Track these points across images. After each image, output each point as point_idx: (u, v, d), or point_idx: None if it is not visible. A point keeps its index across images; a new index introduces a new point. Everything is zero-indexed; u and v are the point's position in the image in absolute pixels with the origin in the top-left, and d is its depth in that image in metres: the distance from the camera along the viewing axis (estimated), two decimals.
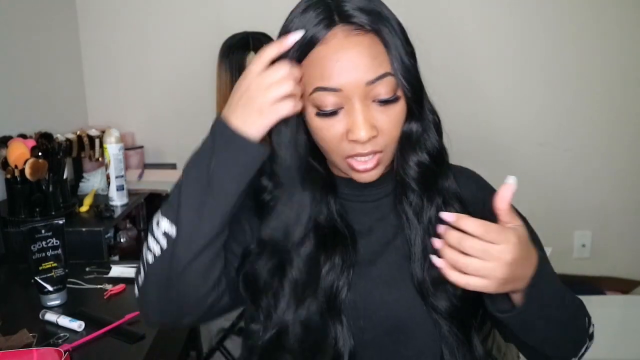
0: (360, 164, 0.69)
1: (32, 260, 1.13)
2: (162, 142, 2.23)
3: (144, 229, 2.03)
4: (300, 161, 0.72)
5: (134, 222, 1.98)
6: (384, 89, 0.66)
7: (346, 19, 0.67)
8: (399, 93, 0.68)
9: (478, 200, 0.80)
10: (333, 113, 0.67)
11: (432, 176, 0.75)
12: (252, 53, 1.95)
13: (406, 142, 0.72)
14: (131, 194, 1.74)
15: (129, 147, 2.07)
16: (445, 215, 0.62)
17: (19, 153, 1.42)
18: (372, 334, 0.72)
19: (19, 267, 1.34)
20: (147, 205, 2.04)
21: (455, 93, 2.18)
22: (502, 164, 2.27)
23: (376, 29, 0.67)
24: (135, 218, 2.00)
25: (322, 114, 0.67)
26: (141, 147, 2.16)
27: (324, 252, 0.71)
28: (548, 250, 2.62)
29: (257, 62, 0.65)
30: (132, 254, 1.81)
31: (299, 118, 0.70)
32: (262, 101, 0.63)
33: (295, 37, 0.66)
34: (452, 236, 0.60)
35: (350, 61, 0.65)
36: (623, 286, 2.26)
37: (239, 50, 1.95)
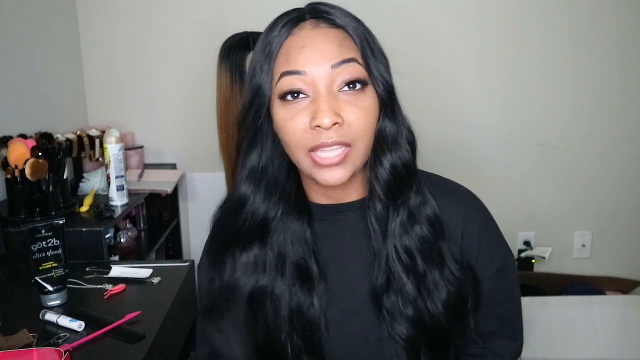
0: (325, 159, 0.65)
1: (32, 260, 1.13)
2: (162, 142, 2.23)
3: (144, 229, 2.03)
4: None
5: (134, 222, 1.98)
6: (350, 75, 0.65)
7: (316, 14, 0.68)
8: (368, 83, 0.67)
9: (458, 229, 0.75)
10: (296, 97, 0.65)
11: (401, 185, 0.71)
12: (252, 53, 1.95)
13: (381, 140, 0.69)
14: (131, 194, 1.74)
15: (129, 147, 2.07)
16: None
17: (19, 153, 1.42)
18: None
19: (19, 267, 1.34)
20: (147, 205, 2.05)
21: (455, 94, 2.18)
22: (503, 164, 2.27)
23: (345, 26, 0.68)
24: (135, 218, 2.01)
25: (286, 99, 0.66)
26: (141, 147, 2.16)
27: (299, 291, 0.71)
28: (548, 250, 2.62)
29: None
30: (132, 254, 1.81)
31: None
32: None
33: None
34: None
35: (316, 46, 0.65)
36: (623, 286, 2.26)
37: (239, 50, 1.95)
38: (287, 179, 0.74)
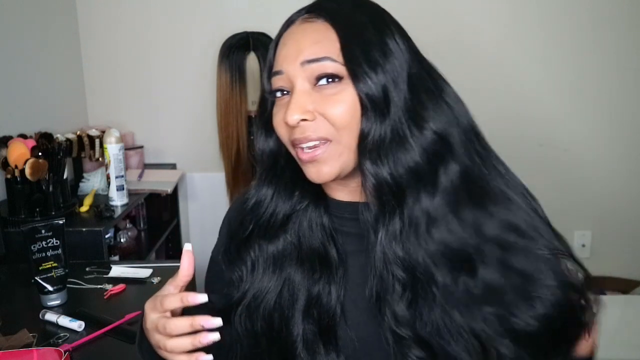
0: (305, 154, 0.64)
1: (32, 260, 1.13)
2: (162, 142, 2.23)
3: (144, 229, 2.03)
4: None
5: (134, 222, 1.99)
6: (321, 70, 0.63)
7: (309, 9, 0.67)
8: (344, 78, 0.63)
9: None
10: (284, 93, 0.66)
11: (388, 193, 0.63)
12: (252, 53, 1.95)
13: (362, 143, 0.63)
14: (131, 194, 1.74)
15: (129, 147, 2.07)
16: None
17: (19, 153, 1.42)
18: None
19: (19, 267, 1.34)
20: (147, 205, 2.05)
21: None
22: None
23: (333, 18, 0.64)
24: (135, 218, 2.01)
25: (276, 96, 0.67)
26: (141, 147, 2.16)
27: (317, 279, 0.69)
28: None
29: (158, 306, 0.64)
30: (132, 254, 1.81)
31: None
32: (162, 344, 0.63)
33: (200, 299, 0.63)
34: None
35: (291, 43, 0.65)
36: (623, 286, 2.26)
37: (239, 50, 1.95)
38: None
